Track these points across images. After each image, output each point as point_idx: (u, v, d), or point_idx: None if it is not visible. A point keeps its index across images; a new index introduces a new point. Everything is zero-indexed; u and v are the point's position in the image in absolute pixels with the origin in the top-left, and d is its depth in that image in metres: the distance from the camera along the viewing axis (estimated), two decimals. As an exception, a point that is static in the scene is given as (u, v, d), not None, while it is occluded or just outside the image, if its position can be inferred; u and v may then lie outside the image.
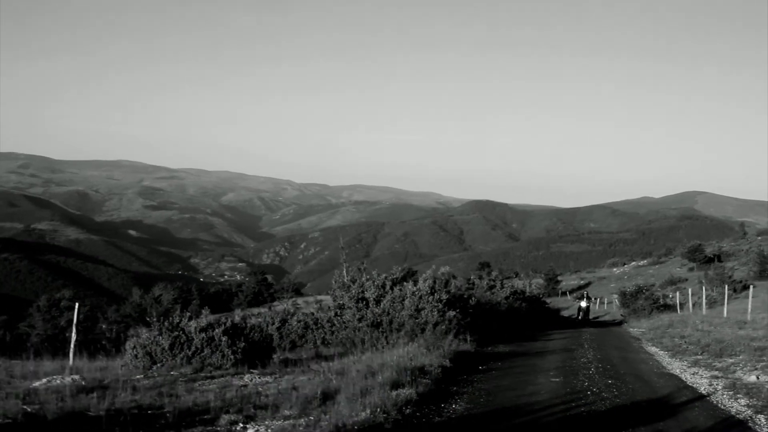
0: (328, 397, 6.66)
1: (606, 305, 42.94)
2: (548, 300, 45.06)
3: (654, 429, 5.79)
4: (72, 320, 11.20)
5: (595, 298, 47.63)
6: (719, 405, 7.03)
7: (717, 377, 8.96)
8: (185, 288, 70.29)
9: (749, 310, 20.01)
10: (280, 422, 5.94)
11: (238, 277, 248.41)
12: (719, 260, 63.72)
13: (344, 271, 13.77)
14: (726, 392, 7.77)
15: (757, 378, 8.75)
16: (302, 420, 5.91)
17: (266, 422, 5.98)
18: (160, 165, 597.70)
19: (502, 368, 9.69)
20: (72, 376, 8.27)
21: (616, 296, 36.81)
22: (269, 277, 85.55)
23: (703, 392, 7.83)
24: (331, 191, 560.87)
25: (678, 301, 31.14)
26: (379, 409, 5.96)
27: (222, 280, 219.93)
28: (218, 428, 5.82)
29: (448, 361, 9.00)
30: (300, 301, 53.95)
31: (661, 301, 31.85)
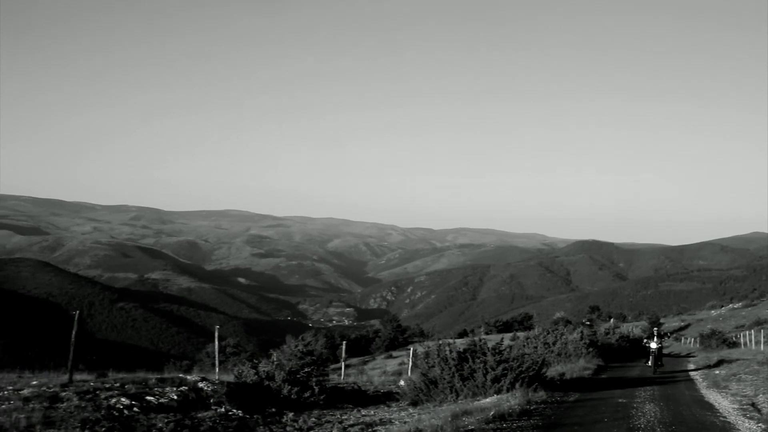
0: (563, 374, 22.12)
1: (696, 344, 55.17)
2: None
3: (673, 377, 20.90)
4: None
5: (688, 338, 59.37)
6: (688, 368, 22.02)
7: (698, 369, 23.66)
8: (329, 335, 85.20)
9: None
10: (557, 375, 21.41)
11: (346, 322, 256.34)
12: (807, 302, 73.25)
13: (536, 329, 29.34)
14: (697, 371, 22.55)
15: (710, 367, 23.40)
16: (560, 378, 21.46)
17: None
18: (266, 213, 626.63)
19: (617, 370, 24.93)
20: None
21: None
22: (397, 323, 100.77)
23: (690, 370, 22.80)
24: (436, 235, 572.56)
25: (743, 341, 44.16)
26: (578, 374, 21.46)
27: (330, 325, 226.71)
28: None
29: (595, 366, 24.36)
30: (431, 344, 67.81)
31: (731, 340, 44.74)
